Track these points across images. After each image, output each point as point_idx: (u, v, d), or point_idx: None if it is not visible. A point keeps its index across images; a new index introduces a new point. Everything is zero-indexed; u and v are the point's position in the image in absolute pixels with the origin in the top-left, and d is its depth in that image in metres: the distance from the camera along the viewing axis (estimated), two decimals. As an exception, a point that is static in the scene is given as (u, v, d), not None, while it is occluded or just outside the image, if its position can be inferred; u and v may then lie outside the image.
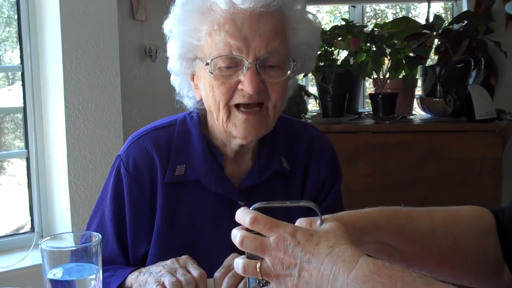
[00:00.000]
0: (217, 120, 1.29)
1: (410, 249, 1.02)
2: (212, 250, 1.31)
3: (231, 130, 1.27)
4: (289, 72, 1.26)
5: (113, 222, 1.34)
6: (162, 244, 1.33)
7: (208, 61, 1.23)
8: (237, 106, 1.25)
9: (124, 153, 1.36)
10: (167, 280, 1.12)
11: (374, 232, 0.99)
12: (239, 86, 1.23)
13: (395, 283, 0.77)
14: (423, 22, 3.35)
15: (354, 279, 0.79)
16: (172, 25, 1.30)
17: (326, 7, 5.04)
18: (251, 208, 0.88)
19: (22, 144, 2.69)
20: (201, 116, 1.38)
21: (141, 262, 1.34)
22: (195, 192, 1.34)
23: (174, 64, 1.32)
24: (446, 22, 3.31)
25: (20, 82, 2.61)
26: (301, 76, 3.23)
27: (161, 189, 1.33)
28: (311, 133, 1.44)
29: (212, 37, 1.23)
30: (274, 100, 1.26)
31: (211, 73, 1.23)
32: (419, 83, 3.18)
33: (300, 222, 0.92)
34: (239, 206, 0.90)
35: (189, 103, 1.38)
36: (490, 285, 1.09)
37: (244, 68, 1.22)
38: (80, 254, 0.99)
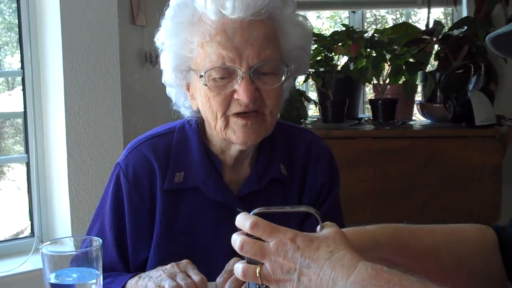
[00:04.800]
0: (215, 129, 1.29)
1: (412, 266, 1.01)
2: (211, 257, 1.31)
3: (230, 137, 1.27)
4: (283, 77, 1.27)
5: (113, 230, 1.34)
6: (161, 251, 1.34)
7: (202, 73, 1.23)
8: (235, 113, 1.25)
9: (123, 161, 1.36)
10: (167, 284, 1.12)
11: (375, 250, 0.99)
12: (235, 96, 1.23)
13: (394, 287, 0.77)
14: (423, 27, 3.36)
15: (352, 284, 0.79)
16: (163, 38, 1.30)
17: (327, 13, 5.05)
18: (251, 213, 0.89)
19: (22, 149, 2.69)
20: (199, 124, 1.37)
21: (141, 269, 1.34)
22: (194, 199, 1.34)
23: (168, 76, 1.32)
24: (446, 27, 3.31)
25: (21, 87, 2.61)
26: (301, 81, 3.25)
27: (161, 196, 1.33)
28: (309, 139, 1.44)
29: (204, 49, 1.23)
30: (270, 107, 1.26)
31: (206, 85, 1.23)
32: (419, 88, 3.18)
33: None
34: (238, 213, 0.90)
35: (186, 112, 1.38)
36: None
37: (238, 77, 1.22)
38: (81, 259, 0.99)
